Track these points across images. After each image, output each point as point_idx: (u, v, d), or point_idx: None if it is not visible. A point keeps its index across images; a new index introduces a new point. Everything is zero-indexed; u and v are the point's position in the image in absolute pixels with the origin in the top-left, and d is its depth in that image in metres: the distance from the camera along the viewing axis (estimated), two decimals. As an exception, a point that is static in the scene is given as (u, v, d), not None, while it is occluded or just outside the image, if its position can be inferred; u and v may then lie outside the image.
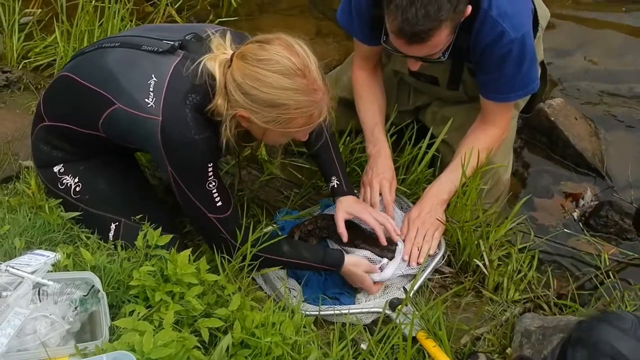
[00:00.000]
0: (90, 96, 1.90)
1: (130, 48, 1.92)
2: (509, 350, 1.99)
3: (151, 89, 1.83)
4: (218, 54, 1.84)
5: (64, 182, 2.06)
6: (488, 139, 2.34)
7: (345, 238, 2.15)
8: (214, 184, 1.89)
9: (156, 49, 1.89)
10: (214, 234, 1.97)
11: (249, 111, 1.80)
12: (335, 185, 2.21)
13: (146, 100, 1.82)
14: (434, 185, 2.32)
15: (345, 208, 2.18)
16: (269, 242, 1.99)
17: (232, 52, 1.84)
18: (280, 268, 2.09)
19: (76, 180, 2.05)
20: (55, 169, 2.06)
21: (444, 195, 2.29)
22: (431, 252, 2.21)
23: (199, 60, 1.82)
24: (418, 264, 2.17)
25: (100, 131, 1.93)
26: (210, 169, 1.88)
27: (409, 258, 2.19)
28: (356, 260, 2.12)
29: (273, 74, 1.76)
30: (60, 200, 2.06)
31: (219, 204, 1.92)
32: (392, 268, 2.15)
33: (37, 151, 2.09)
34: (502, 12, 2.09)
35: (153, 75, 1.84)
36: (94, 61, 1.97)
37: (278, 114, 1.79)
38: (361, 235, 2.23)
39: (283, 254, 2.04)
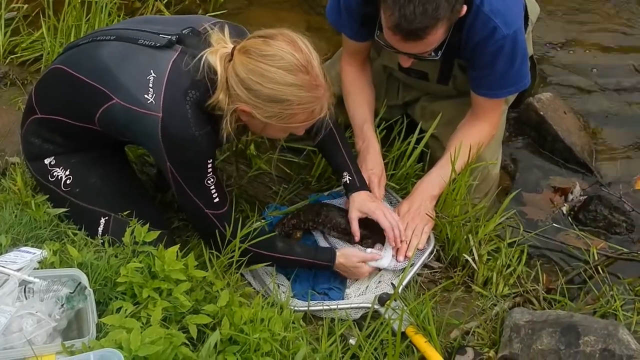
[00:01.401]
0: (86, 90, 1.88)
1: (127, 42, 1.89)
2: (492, 354, 1.99)
3: (150, 85, 1.81)
4: (219, 48, 1.83)
5: (54, 174, 2.03)
6: (478, 134, 2.34)
7: (357, 237, 2.15)
8: (212, 180, 1.89)
9: (153, 43, 1.86)
10: (211, 229, 1.95)
11: (251, 106, 1.79)
12: (348, 181, 2.20)
13: (146, 96, 1.80)
14: (424, 181, 2.32)
15: (359, 207, 2.16)
16: (263, 237, 1.98)
17: (232, 46, 1.83)
18: (269, 265, 2.09)
19: (67, 173, 2.03)
20: (46, 161, 2.04)
21: (434, 191, 2.29)
22: (420, 247, 2.20)
23: (200, 55, 1.81)
24: (407, 257, 2.17)
25: (96, 125, 1.91)
26: (209, 166, 1.87)
27: (398, 251, 2.18)
28: (347, 252, 2.11)
29: (277, 70, 1.75)
30: (49, 194, 2.04)
31: (217, 200, 1.92)
32: (388, 258, 2.14)
33: (27, 144, 2.06)
34: (494, 8, 2.08)
35: (152, 71, 1.82)
36: (88, 54, 1.94)
37: (280, 109, 1.79)
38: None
39: (277, 250, 2.04)
